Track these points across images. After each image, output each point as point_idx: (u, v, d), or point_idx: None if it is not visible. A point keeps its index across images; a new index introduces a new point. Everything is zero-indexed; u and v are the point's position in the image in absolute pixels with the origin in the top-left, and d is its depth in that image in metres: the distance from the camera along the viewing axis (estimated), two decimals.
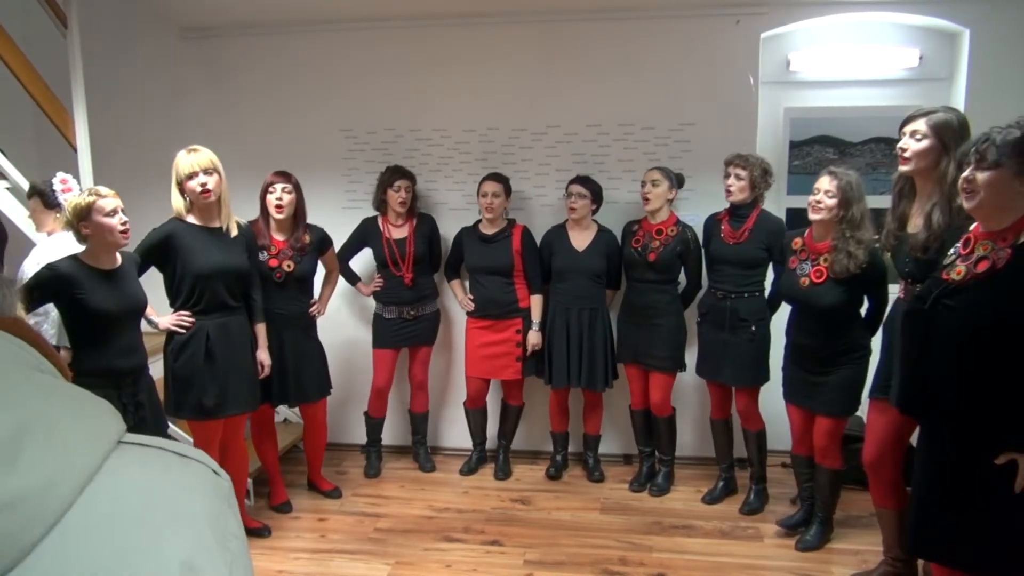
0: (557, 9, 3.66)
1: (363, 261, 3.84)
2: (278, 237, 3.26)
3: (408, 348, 3.82)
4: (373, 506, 3.53)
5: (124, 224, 2.47)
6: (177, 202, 2.84)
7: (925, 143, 2.35)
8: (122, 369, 2.52)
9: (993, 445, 1.76)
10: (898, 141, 2.47)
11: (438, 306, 3.84)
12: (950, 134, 2.32)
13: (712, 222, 3.40)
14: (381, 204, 3.70)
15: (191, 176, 2.76)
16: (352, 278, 3.79)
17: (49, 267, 2.43)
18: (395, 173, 3.64)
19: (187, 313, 2.84)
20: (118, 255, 2.58)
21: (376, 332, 3.77)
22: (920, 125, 2.37)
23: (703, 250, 3.45)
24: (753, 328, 3.20)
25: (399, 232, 3.69)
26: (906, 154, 2.40)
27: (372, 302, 3.81)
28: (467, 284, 3.80)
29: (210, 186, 2.77)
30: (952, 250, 1.99)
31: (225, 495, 0.63)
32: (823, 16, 3.60)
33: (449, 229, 3.83)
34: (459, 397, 3.94)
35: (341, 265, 3.71)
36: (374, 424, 3.89)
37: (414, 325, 3.72)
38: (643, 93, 3.73)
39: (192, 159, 2.77)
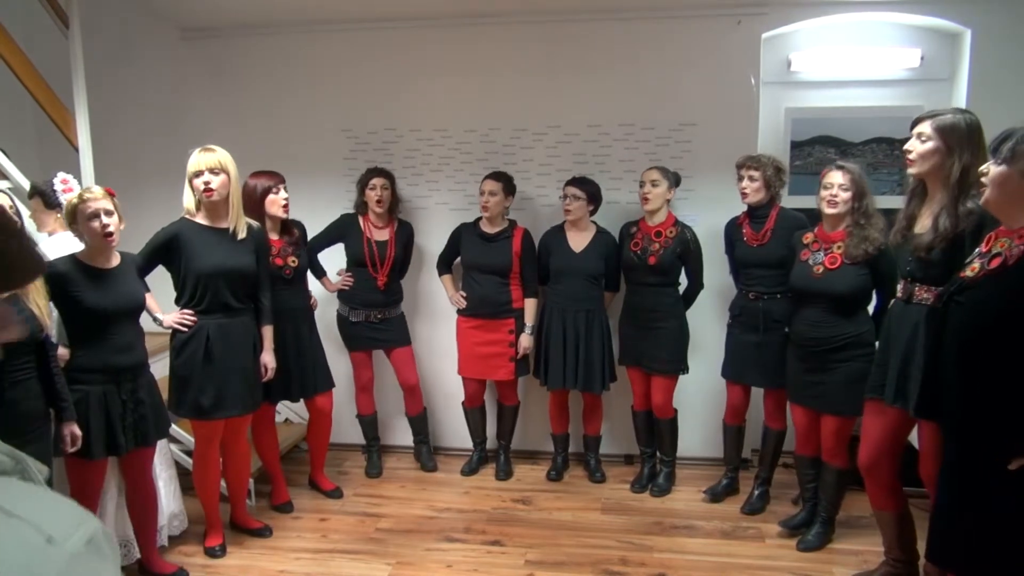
0: (557, 9, 3.66)
1: (323, 258, 3.79)
2: (274, 236, 3.28)
3: (384, 351, 3.80)
4: (374, 506, 3.53)
5: (105, 228, 2.47)
6: (187, 199, 2.86)
7: (929, 145, 2.35)
8: (120, 366, 2.55)
9: (1000, 448, 1.73)
10: (900, 141, 2.47)
11: (402, 309, 3.83)
12: (955, 136, 2.31)
13: (732, 227, 3.37)
14: (362, 205, 3.69)
15: (198, 174, 2.78)
16: (319, 271, 3.76)
17: (47, 265, 2.44)
18: (371, 172, 3.66)
19: (189, 312, 2.84)
20: (117, 254, 2.60)
21: (344, 335, 3.76)
22: (925, 127, 2.36)
23: (727, 256, 3.44)
24: (787, 329, 3.15)
25: (381, 234, 3.68)
26: (910, 155, 2.40)
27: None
28: (459, 282, 3.79)
29: (213, 186, 2.77)
30: (976, 249, 1.98)
31: (58, 570, 0.50)
32: (824, 16, 3.60)
33: (451, 229, 3.82)
34: (456, 397, 3.94)
35: (310, 255, 3.66)
36: (367, 421, 3.89)
37: (382, 328, 3.71)
38: (644, 93, 3.73)
39: (201, 158, 2.78)
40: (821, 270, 2.82)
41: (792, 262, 3.05)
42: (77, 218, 2.48)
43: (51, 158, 3.64)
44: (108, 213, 2.48)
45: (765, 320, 3.21)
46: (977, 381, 1.79)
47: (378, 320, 3.69)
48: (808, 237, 2.94)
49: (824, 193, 2.81)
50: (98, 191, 2.50)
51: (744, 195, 3.22)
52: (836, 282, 2.78)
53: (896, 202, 2.65)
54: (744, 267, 3.31)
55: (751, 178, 3.18)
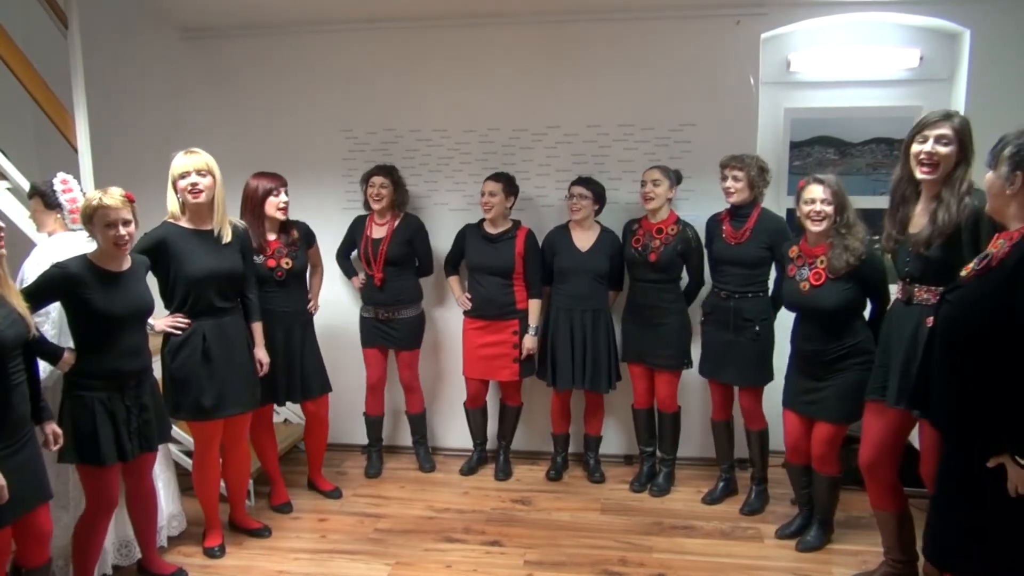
0: (557, 9, 3.66)
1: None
2: (271, 237, 3.28)
3: (392, 350, 3.81)
4: (373, 506, 3.53)
5: (120, 238, 2.45)
6: (171, 203, 2.84)
7: (952, 148, 2.32)
8: (127, 371, 2.52)
9: (986, 447, 1.74)
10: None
11: (419, 311, 3.78)
12: (968, 137, 2.32)
13: (713, 223, 3.40)
14: (366, 203, 3.71)
15: (183, 175, 2.77)
16: (349, 271, 3.84)
17: (58, 265, 2.42)
18: (370, 171, 3.68)
19: (182, 315, 2.83)
20: (128, 257, 2.57)
21: (360, 330, 3.79)
22: (946, 130, 2.31)
23: (706, 251, 3.45)
24: (757, 328, 3.19)
25: (379, 231, 3.69)
26: (935, 159, 2.33)
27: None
28: (466, 283, 3.79)
29: (200, 186, 2.76)
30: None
31: None
32: (823, 16, 3.60)
33: (450, 229, 3.82)
34: (459, 397, 3.93)
35: (340, 260, 3.74)
36: (372, 422, 3.89)
37: (388, 328, 3.70)
38: (643, 93, 3.73)
39: (187, 159, 2.77)
40: (807, 287, 2.79)
41: (766, 263, 3.16)
42: (94, 221, 2.44)
43: (50, 158, 3.63)
44: (126, 223, 2.46)
45: (736, 319, 3.23)
46: (958, 379, 1.80)
47: (384, 319, 3.69)
48: (794, 251, 2.91)
49: (806, 208, 2.77)
50: (118, 198, 2.44)
51: (728, 194, 3.24)
52: (822, 299, 2.75)
53: None
54: (720, 264, 3.33)
55: (735, 178, 3.20)
